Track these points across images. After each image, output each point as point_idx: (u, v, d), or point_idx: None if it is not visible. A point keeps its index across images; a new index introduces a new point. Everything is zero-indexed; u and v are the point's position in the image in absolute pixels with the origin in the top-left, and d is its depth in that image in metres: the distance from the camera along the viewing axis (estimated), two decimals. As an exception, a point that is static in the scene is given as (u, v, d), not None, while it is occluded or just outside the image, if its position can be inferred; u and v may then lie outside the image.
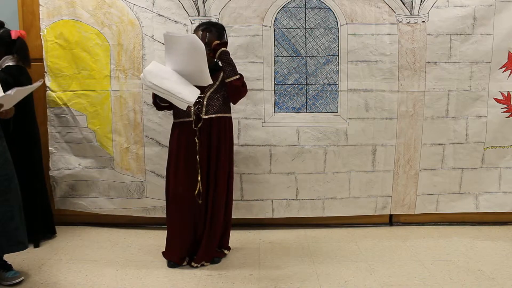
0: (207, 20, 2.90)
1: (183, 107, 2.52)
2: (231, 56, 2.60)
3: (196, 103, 2.56)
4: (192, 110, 2.61)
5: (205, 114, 2.63)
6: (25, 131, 2.96)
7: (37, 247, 3.01)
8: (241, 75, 2.66)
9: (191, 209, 2.66)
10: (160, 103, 2.67)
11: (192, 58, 2.44)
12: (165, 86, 2.45)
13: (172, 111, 2.73)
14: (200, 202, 2.64)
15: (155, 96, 2.66)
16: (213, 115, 2.64)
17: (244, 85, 2.67)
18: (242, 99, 2.75)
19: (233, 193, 3.21)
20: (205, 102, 2.62)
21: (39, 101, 3.26)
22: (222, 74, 2.65)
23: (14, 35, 2.85)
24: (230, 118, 2.75)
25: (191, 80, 2.52)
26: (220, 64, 2.64)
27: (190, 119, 2.62)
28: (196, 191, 2.63)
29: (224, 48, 2.61)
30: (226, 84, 2.63)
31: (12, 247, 2.46)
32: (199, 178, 2.62)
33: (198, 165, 2.62)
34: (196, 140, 2.61)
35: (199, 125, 2.61)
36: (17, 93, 2.29)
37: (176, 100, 2.48)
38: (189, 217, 2.68)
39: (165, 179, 2.75)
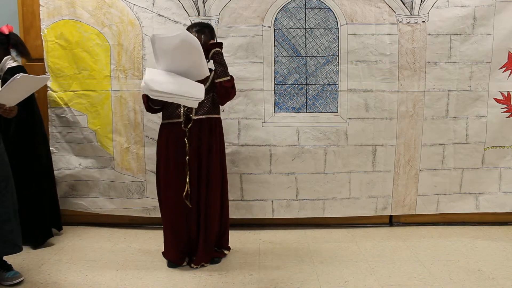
0: (198, 21, 2.89)
1: (194, 105, 2.49)
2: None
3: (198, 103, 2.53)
4: (182, 111, 2.60)
5: (195, 115, 2.61)
6: (32, 131, 2.96)
7: (39, 247, 3.01)
8: (231, 77, 2.65)
9: (183, 210, 2.65)
10: (153, 106, 2.64)
11: (188, 55, 2.40)
12: (171, 90, 2.39)
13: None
14: (189, 203, 2.62)
15: (147, 100, 2.62)
16: (203, 116, 2.62)
17: (233, 87, 2.67)
18: (239, 99, 2.73)
19: (233, 193, 3.23)
20: None
21: (39, 101, 3.26)
22: (212, 75, 2.64)
23: (6, 30, 2.82)
24: (220, 119, 2.74)
25: (189, 76, 2.48)
26: (212, 65, 2.62)
27: (180, 120, 2.60)
28: (184, 193, 2.61)
29: (218, 49, 2.61)
30: (215, 85, 2.62)
31: (7, 250, 2.46)
32: (187, 180, 2.61)
33: (187, 166, 2.61)
34: (186, 141, 2.59)
35: (189, 126, 2.60)
36: (23, 81, 2.23)
37: (186, 100, 2.44)
38: (181, 218, 2.67)
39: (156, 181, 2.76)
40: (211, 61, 2.65)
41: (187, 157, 2.59)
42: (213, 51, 2.59)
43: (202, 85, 2.51)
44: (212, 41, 2.62)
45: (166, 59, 2.45)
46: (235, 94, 2.71)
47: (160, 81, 2.41)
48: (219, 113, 2.73)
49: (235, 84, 2.67)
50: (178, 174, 2.62)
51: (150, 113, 3.14)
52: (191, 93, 2.43)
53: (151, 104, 2.63)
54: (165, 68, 2.47)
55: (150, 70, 2.50)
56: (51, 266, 2.75)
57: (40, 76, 2.45)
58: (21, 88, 2.30)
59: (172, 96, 2.42)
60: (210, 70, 2.63)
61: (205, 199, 2.65)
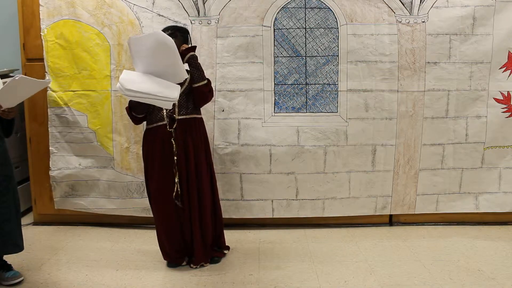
0: (172, 25, 2.86)
1: (169, 106, 2.48)
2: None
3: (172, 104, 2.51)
4: (165, 113, 2.60)
5: (179, 115, 2.61)
6: None
7: None
8: (208, 80, 2.65)
9: (174, 210, 2.64)
10: (136, 115, 2.64)
11: (163, 55, 2.38)
12: (145, 89, 2.37)
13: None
14: (179, 204, 2.62)
15: (130, 110, 2.63)
16: (186, 116, 2.63)
17: (211, 91, 2.68)
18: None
19: (233, 193, 3.23)
20: (177, 102, 2.59)
21: (39, 101, 3.27)
22: (189, 78, 2.63)
23: None
24: (201, 118, 2.75)
25: (166, 78, 2.46)
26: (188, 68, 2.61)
27: (164, 122, 2.60)
28: (174, 193, 2.61)
29: (193, 53, 2.60)
30: (193, 89, 2.62)
31: (7, 249, 2.46)
32: (176, 180, 2.61)
33: (176, 167, 2.60)
34: (173, 141, 2.59)
35: (174, 126, 2.60)
36: (22, 83, 2.22)
37: (160, 101, 2.42)
38: (173, 218, 2.66)
39: (145, 184, 2.77)
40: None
41: (175, 158, 2.60)
42: (188, 55, 2.58)
43: (178, 85, 2.48)
44: (185, 45, 2.60)
45: (143, 61, 2.43)
46: (212, 97, 2.74)
47: (134, 80, 2.39)
48: (200, 114, 2.74)
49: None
50: (167, 175, 2.61)
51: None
52: (165, 93, 2.40)
53: (133, 113, 2.63)
54: (142, 70, 2.45)
55: (126, 71, 2.49)
56: (51, 266, 2.75)
57: (41, 80, 2.44)
58: (20, 90, 2.29)
59: (145, 95, 2.39)
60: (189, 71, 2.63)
61: (197, 199, 2.66)
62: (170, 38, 2.37)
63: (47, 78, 3.17)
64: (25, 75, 3.24)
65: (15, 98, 2.33)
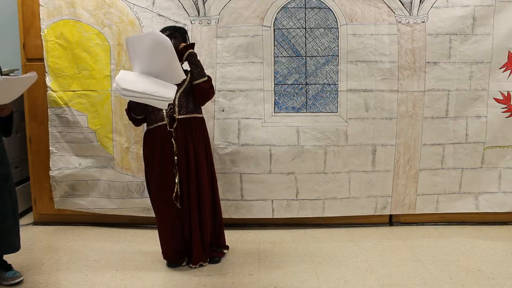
0: (170, 25, 2.84)
1: (164, 106, 2.46)
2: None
3: (168, 104, 2.50)
4: (165, 113, 2.60)
5: (179, 114, 2.60)
6: None
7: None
8: (209, 77, 2.65)
9: (175, 210, 2.64)
10: (135, 116, 2.64)
11: (160, 55, 2.36)
12: (141, 89, 2.35)
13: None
14: (178, 204, 2.61)
15: (129, 111, 2.63)
16: (187, 116, 2.62)
17: (212, 88, 2.67)
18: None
19: (233, 193, 3.23)
20: (176, 102, 2.59)
21: (39, 101, 3.27)
22: (189, 76, 2.63)
23: None
24: (203, 118, 2.74)
25: (164, 79, 2.44)
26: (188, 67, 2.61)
27: (164, 122, 2.60)
28: (174, 194, 2.60)
29: (192, 50, 2.60)
30: (193, 86, 2.61)
31: (4, 249, 2.46)
32: (176, 180, 2.60)
33: (176, 167, 2.60)
34: (173, 141, 2.59)
35: (174, 126, 2.60)
36: (5, 84, 2.17)
37: (155, 101, 2.40)
38: (175, 218, 2.66)
39: (145, 184, 2.77)
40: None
41: (175, 158, 2.59)
42: (187, 53, 2.58)
43: (175, 86, 2.47)
44: (183, 44, 2.60)
45: (140, 60, 2.41)
46: (214, 94, 2.73)
47: (130, 80, 2.38)
48: (201, 113, 2.74)
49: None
50: (167, 176, 2.61)
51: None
52: (161, 92, 2.37)
53: (133, 114, 2.64)
54: (140, 70, 2.44)
55: (122, 71, 2.48)
56: (51, 266, 2.75)
57: (25, 75, 2.37)
58: (7, 90, 2.25)
59: (140, 96, 2.37)
60: (188, 72, 2.62)
61: (196, 198, 2.65)
62: (167, 38, 2.37)
63: (47, 78, 3.17)
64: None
65: (4, 97, 2.29)
